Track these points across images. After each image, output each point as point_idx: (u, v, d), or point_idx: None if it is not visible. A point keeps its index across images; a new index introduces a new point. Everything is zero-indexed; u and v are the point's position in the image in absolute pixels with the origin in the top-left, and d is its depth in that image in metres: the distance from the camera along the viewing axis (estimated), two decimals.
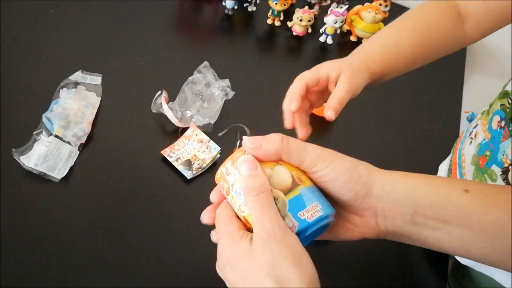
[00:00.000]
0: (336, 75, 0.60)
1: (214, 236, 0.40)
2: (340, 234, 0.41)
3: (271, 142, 0.37)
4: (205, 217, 0.41)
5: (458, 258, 0.74)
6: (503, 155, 0.58)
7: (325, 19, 1.06)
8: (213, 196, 0.41)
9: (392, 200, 0.37)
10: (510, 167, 0.56)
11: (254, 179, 0.36)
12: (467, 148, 0.68)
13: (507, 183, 0.57)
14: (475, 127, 0.70)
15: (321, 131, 0.89)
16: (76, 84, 0.83)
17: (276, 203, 0.36)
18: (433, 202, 0.37)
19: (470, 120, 0.81)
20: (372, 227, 0.39)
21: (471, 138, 0.72)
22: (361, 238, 0.41)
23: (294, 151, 0.37)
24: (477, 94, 1.18)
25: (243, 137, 0.38)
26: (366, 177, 0.38)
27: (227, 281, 0.38)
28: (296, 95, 0.58)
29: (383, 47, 0.63)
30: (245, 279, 0.35)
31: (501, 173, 0.58)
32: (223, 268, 0.38)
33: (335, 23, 1.06)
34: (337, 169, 0.37)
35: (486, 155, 0.61)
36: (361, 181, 0.37)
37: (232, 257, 0.36)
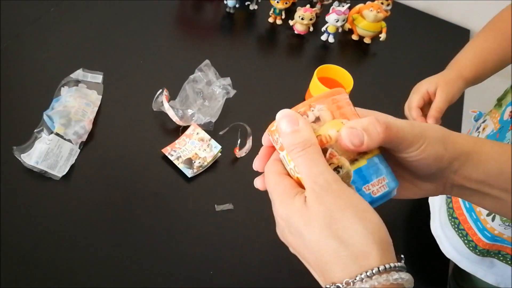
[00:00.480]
0: (433, 90, 0.73)
1: (258, 182, 0.37)
2: (401, 194, 0.39)
3: (374, 136, 0.33)
4: (256, 163, 0.38)
5: (457, 263, 0.74)
6: (508, 142, 0.59)
7: (327, 18, 1.06)
8: (257, 163, 0.38)
9: (467, 176, 0.37)
10: None
11: (296, 135, 0.32)
12: None
13: None
14: (483, 121, 0.72)
15: None
16: (77, 82, 0.83)
17: (338, 172, 0.33)
18: (499, 171, 0.37)
19: (476, 119, 0.81)
20: (437, 191, 0.39)
21: (478, 132, 0.74)
22: (420, 197, 0.41)
23: (393, 139, 0.34)
24: (479, 93, 1.17)
25: (342, 130, 0.33)
26: (451, 154, 0.36)
27: (289, 245, 0.34)
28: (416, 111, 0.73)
29: (473, 55, 0.74)
30: (304, 240, 0.31)
31: None
32: (281, 231, 0.35)
33: (336, 21, 1.05)
34: (429, 152, 0.35)
35: None
36: (446, 159, 0.36)
37: (288, 218, 0.32)
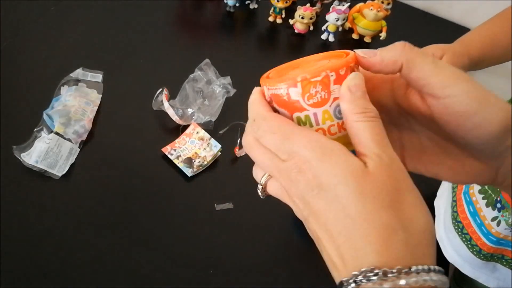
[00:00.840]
0: (439, 56, 0.68)
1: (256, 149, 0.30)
2: (444, 175, 0.33)
3: (389, 48, 0.29)
4: None
5: (459, 268, 0.74)
6: None
7: (327, 17, 1.06)
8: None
9: None
10: None
11: (369, 102, 0.28)
12: None
13: None
14: None
15: None
16: (77, 81, 0.83)
17: None
18: None
19: None
20: (486, 176, 0.32)
21: None
22: (462, 182, 0.35)
23: (419, 62, 0.28)
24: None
25: (355, 50, 0.30)
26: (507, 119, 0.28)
27: (311, 213, 0.27)
28: None
29: (481, 36, 0.72)
30: (348, 208, 0.25)
31: None
32: (307, 192, 0.27)
33: (337, 20, 1.05)
34: (477, 100, 0.27)
35: None
36: (503, 124, 0.28)
37: (330, 178, 0.26)
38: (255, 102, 0.32)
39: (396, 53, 0.29)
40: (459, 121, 0.28)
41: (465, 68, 0.69)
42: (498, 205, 0.65)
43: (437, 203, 0.80)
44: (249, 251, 0.70)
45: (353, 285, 0.24)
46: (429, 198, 0.82)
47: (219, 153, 0.79)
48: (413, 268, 0.24)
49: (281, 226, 0.74)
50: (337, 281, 0.26)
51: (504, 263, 0.69)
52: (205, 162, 0.77)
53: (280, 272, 0.68)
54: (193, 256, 0.67)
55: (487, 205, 0.66)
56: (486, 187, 0.65)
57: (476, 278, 0.72)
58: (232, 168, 0.79)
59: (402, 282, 0.23)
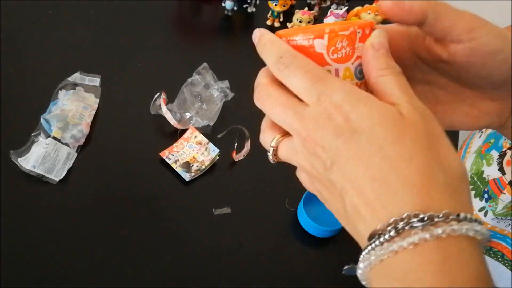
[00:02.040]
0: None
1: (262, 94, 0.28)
2: (455, 121, 0.33)
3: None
4: None
5: None
6: (505, 140, 0.61)
7: (325, 21, 1.06)
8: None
9: None
10: (508, 151, 0.59)
11: (391, 59, 0.28)
12: (475, 142, 0.73)
13: (501, 167, 0.59)
14: None
15: None
16: (74, 85, 0.83)
17: None
18: None
19: None
20: (502, 117, 0.33)
21: (481, 132, 0.74)
22: (474, 129, 0.35)
23: (444, 11, 0.28)
24: None
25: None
26: None
27: (338, 158, 0.25)
28: None
29: None
30: (384, 148, 0.24)
31: (498, 157, 0.60)
32: (335, 137, 0.25)
33: None
34: (500, 38, 0.29)
35: (490, 142, 0.65)
36: None
37: (365, 120, 0.24)
38: (277, 41, 0.29)
39: (424, 2, 0.28)
40: (485, 60, 0.29)
41: None
42: (486, 196, 0.66)
43: None
44: (247, 256, 0.70)
45: (393, 232, 0.22)
46: None
47: (217, 158, 0.78)
48: (462, 215, 0.23)
49: (280, 230, 0.74)
50: (366, 233, 0.24)
51: (492, 255, 0.70)
52: (203, 167, 0.77)
53: (279, 277, 0.68)
54: (191, 260, 0.67)
55: (475, 196, 0.68)
56: (475, 178, 0.66)
57: None
58: (230, 173, 0.79)
59: (454, 228, 0.22)
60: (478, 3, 1.23)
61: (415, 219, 0.22)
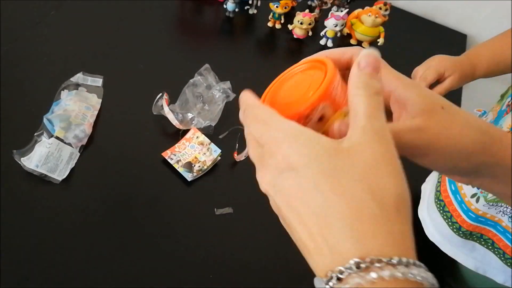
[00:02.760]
0: (449, 74, 0.80)
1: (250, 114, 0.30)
2: (429, 166, 0.34)
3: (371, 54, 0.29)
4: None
5: (439, 245, 0.76)
6: (501, 126, 0.63)
7: (326, 23, 1.07)
8: None
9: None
10: None
11: (375, 80, 0.28)
12: None
13: None
14: (485, 117, 0.74)
15: None
16: (77, 85, 0.83)
17: None
18: None
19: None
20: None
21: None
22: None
23: (393, 76, 0.32)
24: (476, 93, 1.18)
25: (363, 52, 0.30)
26: (483, 163, 0.31)
27: (282, 194, 0.27)
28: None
29: (489, 56, 0.80)
30: (319, 185, 0.25)
31: None
32: (277, 175, 0.27)
33: (335, 26, 1.06)
34: (451, 151, 0.30)
35: None
36: (476, 165, 0.31)
37: (300, 157, 0.25)
38: (245, 94, 0.32)
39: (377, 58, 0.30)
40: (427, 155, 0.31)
41: (467, 82, 0.82)
42: None
43: (424, 186, 0.84)
44: (249, 255, 0.70)
45: (336, 278, 0.24)
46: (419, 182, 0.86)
47: (219, 158, 0.79)
48: (395, 260, 0.23)
49: (281, 230, 0.74)
50: (316, 267, 0.26)
51: (483, 242, 0.72)
52: (205, 167, 0.77)
53: (280, 276, 0.69)
54: (193, 260, 0.68)
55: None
56: None
57: (455, 257, 0.75)
58: (231, 173, 0.80)
59: (384, 273, 0.23)
60: (478, 3, 1.24)
61: (351, 264, 0.23)
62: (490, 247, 0.70)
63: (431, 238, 0.76)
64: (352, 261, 0.23)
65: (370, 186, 0.24)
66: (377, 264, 0.23)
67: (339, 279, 0.23)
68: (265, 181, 0.28)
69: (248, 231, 0.73)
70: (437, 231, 0.75)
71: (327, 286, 0.24)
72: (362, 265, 0.23)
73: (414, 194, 0.83)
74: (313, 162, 0.25)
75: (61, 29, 0.97)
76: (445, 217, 0.74)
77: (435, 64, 0.81)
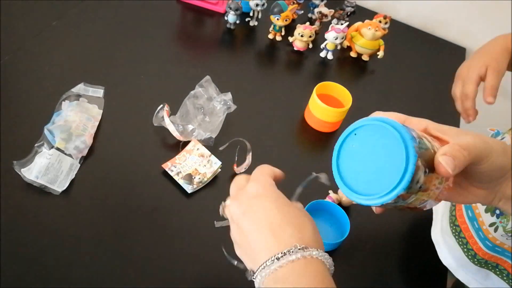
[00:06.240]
0: (484, 72, 0.73)
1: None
2: (453, 199, 0.44)
3: (461, 160, 0.37)
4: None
5: (452, 271, 0.74)
6: None
7: (326, 35, 1.08)
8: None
9: None
10: None
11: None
12: None
13: None
14: (502, 139, 0.72)
15: (322, 146, 0.89)
16: (78, 96, 0.83)
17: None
18: None
19: (494, 137, 0.81)
20: (487, 199, 0.43)
21: None
22: (467, 203, 0.49)
23: (473, 159, 0.38)
24: (478, 99, 1.18)
25: (440, 158, 0.36)
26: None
27: (244, 224, 0.45)
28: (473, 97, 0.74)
29: None
30: (267, 207, 0.44)
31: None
32: (250, 211, 0.45)
33: (335, 39, 1.07)
34: (496, 163, 0.39)
35: None
36: (507, 169, 0.40)
37: (257, 190, 0.46)
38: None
39: (466, 162, 0.37)
40: (475, 173, 0.40)
41: (508, 60, 0.74)
42: (497, 211, 0.66)
43: (435, 207, 0.81)
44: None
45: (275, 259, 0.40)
46: None
47: (219, 170, 0.79)
48: (299, 248, 0.40)
49: None
50: (255, 260, 0.44)
51: (498, 272, 0.70)
52: (205, 179, 0.77)
53: None
54: (192, 273, 0.67)
55: (486, 211, 0.67)
56: None
57: (467, 283, 0.73)
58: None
59: (297, 255, 0.40)
60: (477, 17, 1.25)
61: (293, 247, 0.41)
62: (505, 278, 0.69)
63: (444, 262, 0.74)
64: (294, 246, 0.40)
65: (288, 209, 0.45)
66: (307, 249, 0.41)
67: (278, 259, 0.40)
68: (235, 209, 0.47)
69: None
70: (451, 255, 0.73)
71: (273, 266, 0.40)
72: (299, 247, 0.40)
73: (424, 214, 0.82)
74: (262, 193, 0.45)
75: (63, 40, 0.98)
76: (460, 243, 0.72)
77: (465, 77, 0.75)
